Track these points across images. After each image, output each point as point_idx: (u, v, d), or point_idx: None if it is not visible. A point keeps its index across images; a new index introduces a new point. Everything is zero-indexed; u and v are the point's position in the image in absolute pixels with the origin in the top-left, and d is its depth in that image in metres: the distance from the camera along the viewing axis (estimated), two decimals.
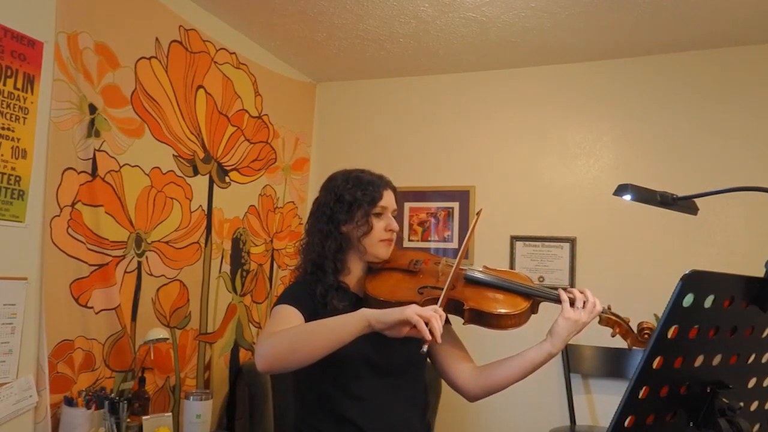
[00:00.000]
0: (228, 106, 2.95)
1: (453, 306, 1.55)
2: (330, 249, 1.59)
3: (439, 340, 1.28)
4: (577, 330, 1.48)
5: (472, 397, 1.62)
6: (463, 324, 1.55)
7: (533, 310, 1.56)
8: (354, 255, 1.64)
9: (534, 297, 1.55)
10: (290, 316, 1.49)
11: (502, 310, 1.51)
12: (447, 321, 1.69)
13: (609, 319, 1.53)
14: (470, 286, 1.58)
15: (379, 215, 1.61)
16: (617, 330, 1.53)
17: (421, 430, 1.62)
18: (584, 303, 1.48)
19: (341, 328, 1.33)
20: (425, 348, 1.29)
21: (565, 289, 1.54)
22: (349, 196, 1.60)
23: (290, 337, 1.37)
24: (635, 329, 1.53)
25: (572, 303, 1.49)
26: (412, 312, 1.28)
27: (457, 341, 1.69)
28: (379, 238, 1.61)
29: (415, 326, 1.27)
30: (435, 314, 1.29)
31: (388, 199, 1.63)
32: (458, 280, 1.59)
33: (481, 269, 1.62)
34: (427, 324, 1.27)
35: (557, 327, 1.48)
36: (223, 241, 2.93)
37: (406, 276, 1.63)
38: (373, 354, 1.53)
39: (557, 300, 1.52)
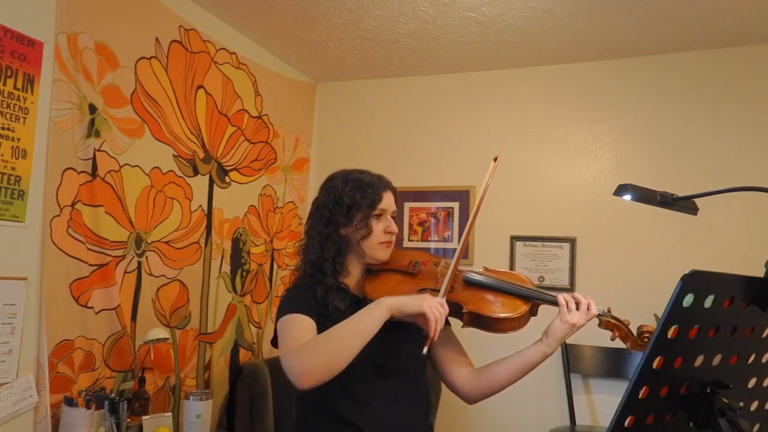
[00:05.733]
0: (228, 106, 2.95)
1: (452, 309, 1.53)
2: (329, 252, 1.58)
3: (436, 338, 1.38)
4: (572, 332, 1.49)
5: (470, 400, 1.61)
6: (462, 327, 1.54)
7: (533, 312, 1.55)
8: (353, 257, 1.62)
9: (533, 300, 1.54)
10: (305, 325, 1.47)
11: (502, 314, 1.49)
12: (447, 322, 1.69)
13: (609, 323, 1.52)
14: (469, 289, 1.56)
15: (378, 217, 1.60)
16: (617, 333, 1.52)
17: None
18: (578, 306, 1.48)
19: (369, 322, 1.37)
20: (426, 349, 1.38)
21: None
22: (348, 199, 1.58)
23: (324, 348, 1.35)
24: (635, 332, 1.51)
25: (569, 306, 1.49)
26: (429, 308, 1.37)
27: (456, 344, 1.68)
28: (378, 240, 1.59)
29: (428, 320, 1.36)
30: (443, 315, 1.39)
31: (387, 201, 1.62)
32: (457, 282, 1.57)
33: (480, 271, 1.61)
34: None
35: (553, 329, 1.48)
36: (223, 241, 2.93)
37: (405, 278, 1.61)
38: (378, 356, 1.51)
39: (555, 303, 1.51)
